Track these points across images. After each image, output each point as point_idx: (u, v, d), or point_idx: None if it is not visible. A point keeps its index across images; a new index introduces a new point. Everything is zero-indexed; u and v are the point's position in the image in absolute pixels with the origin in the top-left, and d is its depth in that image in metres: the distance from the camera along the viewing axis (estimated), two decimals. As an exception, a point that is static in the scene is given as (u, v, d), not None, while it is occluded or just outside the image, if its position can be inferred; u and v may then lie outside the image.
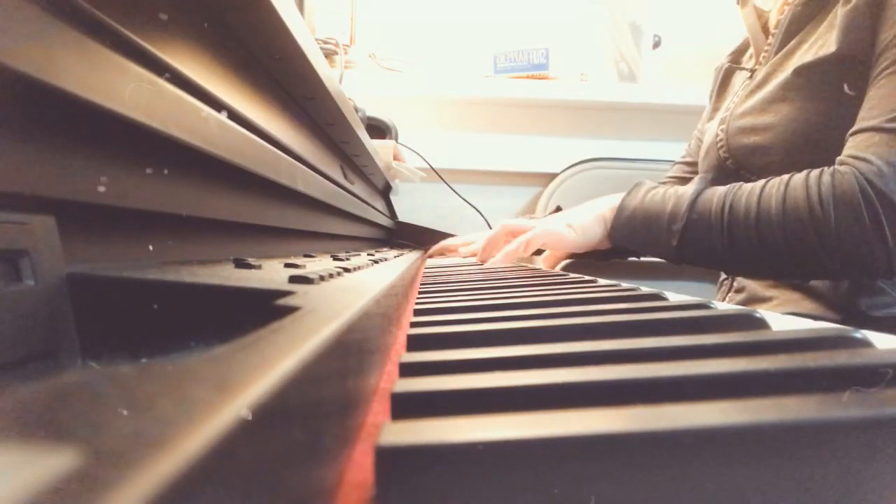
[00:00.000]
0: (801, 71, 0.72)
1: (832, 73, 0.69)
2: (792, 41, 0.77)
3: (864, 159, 0.62)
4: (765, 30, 0.85)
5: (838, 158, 0.64)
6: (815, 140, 0.71)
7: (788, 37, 0.78)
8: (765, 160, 0.75)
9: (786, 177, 0.66)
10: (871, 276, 0.67)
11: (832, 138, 0.68)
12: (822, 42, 0.71)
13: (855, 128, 0.65)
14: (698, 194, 0.71)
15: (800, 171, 0.67)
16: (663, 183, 1.02)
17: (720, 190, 0.70)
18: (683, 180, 1.01)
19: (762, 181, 0.68)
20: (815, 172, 0.64)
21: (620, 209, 0.77)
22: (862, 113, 0.66)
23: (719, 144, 0.82)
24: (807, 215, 0.62)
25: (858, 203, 0.60)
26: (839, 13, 0.69)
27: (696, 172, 0.99)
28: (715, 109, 0.95)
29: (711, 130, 0.87)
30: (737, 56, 0.96)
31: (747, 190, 0.68)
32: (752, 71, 0.84)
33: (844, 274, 0.66)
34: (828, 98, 0.70)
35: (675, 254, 0.72)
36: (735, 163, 0.80)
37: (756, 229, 0.66)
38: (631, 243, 0.77)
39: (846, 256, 0.62)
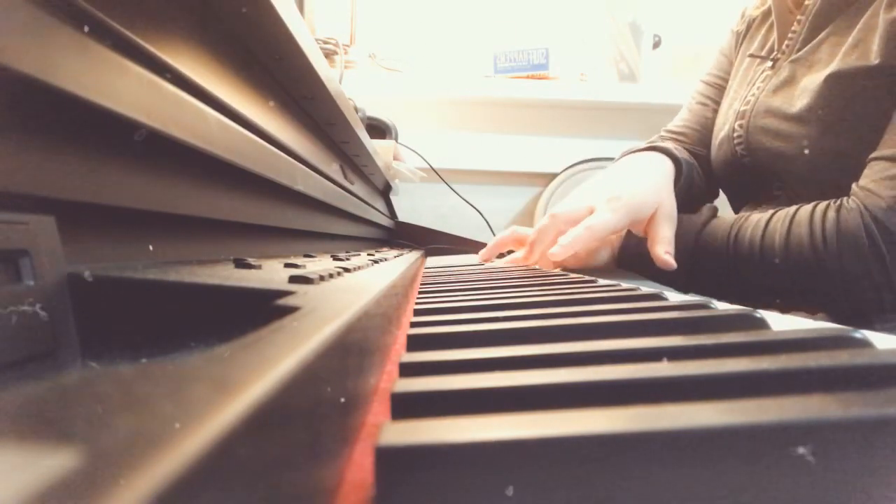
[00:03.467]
0: (835, 79, 0.65)
1: (871, 87, 0.63)
2: (821, 33, 0.70)
3: (874, 193, 0.59)
4: (792, 11, 0.76)
5: (853, 186, 0.62)
6: (843, 162, 0.65)
7: (817, 26, 0.71)
8: (786, 167, 0.72)
9: (792, 210, 0.64)
10: (878, 312, 0.65)
11: (863, 164, 0.63)
12: (859, 46, 0.64)
13: (874, 154, 0.62)
14: (704, 225, 0.70)
15: (821, 186, 0.64)
16: (680, 143, 0.91)
17: (725, 222, 0.69)
18: (698, 132, 0.91)
19: (769, 213, 0.66)
20: (822, 207, 0.62)
21: (627, 236, 0.75)
22: (886, 136, 0.61)
23: (736, 140, 0.77)
24: (810, 253, 0.61)
25: (863, 242, 0.58)
26: (882, 19, 0.62)
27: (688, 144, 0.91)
28: (722, 88, 0.89)
29: (726, 122, 0.81)
30: (750, 21, 0.87)
31: (752, 223, 0.66)
32: (775, 60, 0.76)
33: (849, 309, 0.63)
34: (864, 115, 0.63)
35: (684, 283, 0.71)
36: (752, 161, 0.76)
37: (760, 264, 0.64)
38: (638, 270, 0.75)
39: (849, 294, 0.60)
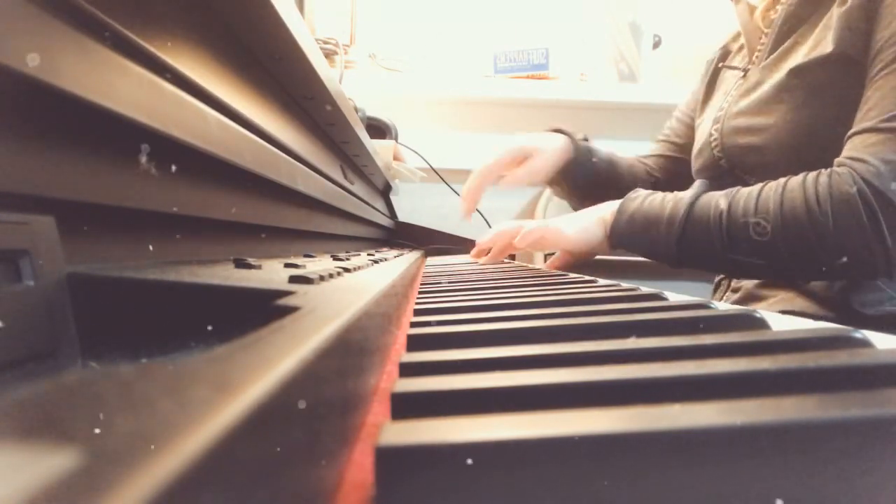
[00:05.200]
0: (796, 72, 0.72)
1: (827, 74, 0.69)
2: (786, 42, 0.77)
3: (861, 160, 0.62)
4: (758, 28, 0.85)
5: (836, 160, 0.64)
6: (809, 141, 0.71)
7: (782, 37, 0.78)
8: (759, 160, 0.76)
9: (783, 179, 0.66)
10: (871, 277, 0.67)
11: (827, 139, 0.68)
12: (820, 44, 0.71)
13: (852, 130, 0.65)
14: (697, 198, 0.71)
15: (794, 171, 0.67)
16: (643, 160, 1.06)
17: (718, 193, 0.70)
18: (662, 158, 1.04)
19: (760, 184, 0.68)
20: (813, 174, 0.64)
21: (620, 212, 0.77)
22: (859, 115, 0.66)
23: (713, 144, 0.83)
24: (805, 217, 0.63)
25: (856, 203, 0.60)
26: (835, 14, 0.69)
27: (671, 151, 1.03)
28: (704, 105, 0.95)
29: (704, 130, 0.87)
30: (727, 50, 0.95)
31: (745, 193, 0.68)
32: (746, 71, 0.84)
33: (844, 274, 0.66)
34: (823, 99, 0.70)
35: (675, 258, 0.72)
36: (729, 162, 0.81)
37: (755, 232, 0.66)
38: (630, 247, 0.77)
39: (845, 257, 0.62)
